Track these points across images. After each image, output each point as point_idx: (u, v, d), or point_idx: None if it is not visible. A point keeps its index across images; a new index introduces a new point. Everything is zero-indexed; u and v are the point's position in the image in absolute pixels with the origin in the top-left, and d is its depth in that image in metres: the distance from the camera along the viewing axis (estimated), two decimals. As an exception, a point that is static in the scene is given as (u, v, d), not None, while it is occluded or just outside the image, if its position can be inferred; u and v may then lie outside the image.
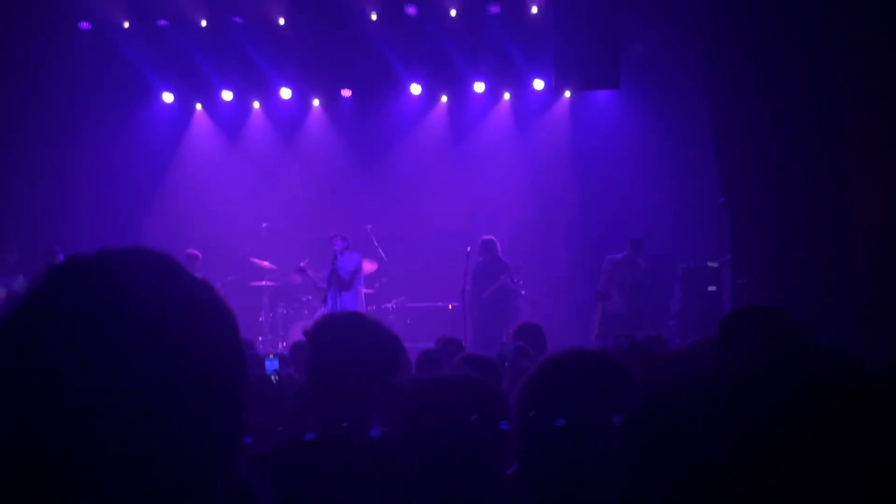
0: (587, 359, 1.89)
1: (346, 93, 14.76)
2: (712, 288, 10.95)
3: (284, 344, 12.27)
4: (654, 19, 11.86)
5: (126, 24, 14.03)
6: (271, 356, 4.56)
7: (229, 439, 1.10)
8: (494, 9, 13.48)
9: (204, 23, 13.99)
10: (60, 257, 12.07)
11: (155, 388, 1.03)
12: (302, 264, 11.86)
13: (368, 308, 12.71)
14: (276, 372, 4.39)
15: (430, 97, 14.67)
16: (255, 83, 14.63)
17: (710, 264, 11.18)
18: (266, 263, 13.36)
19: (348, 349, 2.61)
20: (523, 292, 12.59)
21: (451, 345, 6.50)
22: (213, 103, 14.97)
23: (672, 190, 12.87)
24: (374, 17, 13.79)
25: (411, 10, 13.62)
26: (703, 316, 10.56)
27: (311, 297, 12.75)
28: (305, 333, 2.79)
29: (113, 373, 1.02)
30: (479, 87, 14.36)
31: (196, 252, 12.38)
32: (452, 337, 6.94)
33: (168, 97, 14.85)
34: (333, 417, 2.56)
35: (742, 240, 9.83)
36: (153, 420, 1.02)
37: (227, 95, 14.80)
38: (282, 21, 14.00)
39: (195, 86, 14.68)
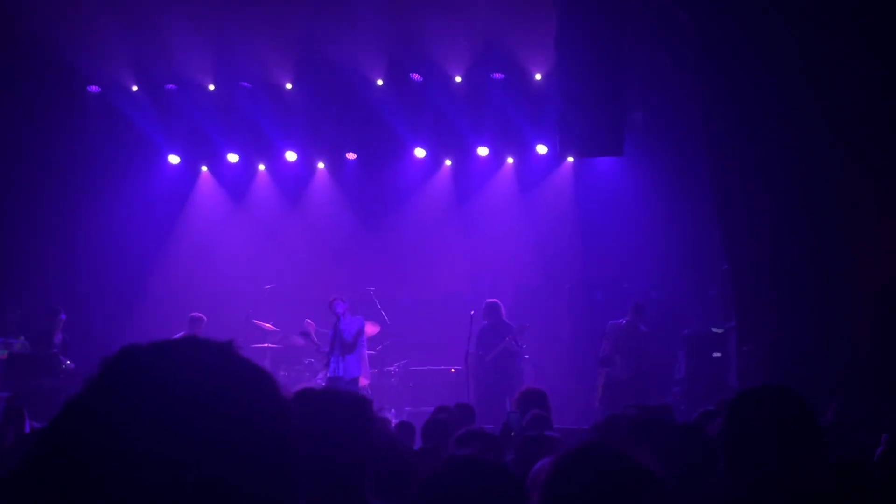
0: (605, 460, 1.85)
1: (351, 156, 14.90)
2: (717, 354, 10.91)
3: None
4: (655, 87, 12.03)
5: (134, 88, 14.24)
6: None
7: None
8: (498, 75, 13.68)
9: (212, 87, 14.20)
10: (62, 317, 12.07)
11: (210, 484, 1.03)
12: (308, 325, 11.83)
13: (371, 371, 12.66)
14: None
15: (434, 161, 14.80)
16: (260, 146, 14.79)
17: (715, 330, 11.15)
18: (269, 325, 13.33)
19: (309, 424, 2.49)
20: (527, 356, 12.54)
21: (459, 411, 6.45)
22: (218, 165, 15.11)
23: (676, 255, 12.90)
24: (379, 82, 14.00)
25: (416, 76, 13.82)
26: (708, 382, 10.50)
27: (313, 360, 12.70)
28: None
29: (168, 469, 1.02)
30: (482, 151, 14.50)
31: (200, 315, 12.37)
32: (463, 403, 6.89)
33: (174, 159, 14.99)
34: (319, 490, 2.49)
35: (747, 306, 9.82)
36: None
37: (232, 158, 14.94)
38: (289, 86, 14.21)
39: (201, 148, 14.84)
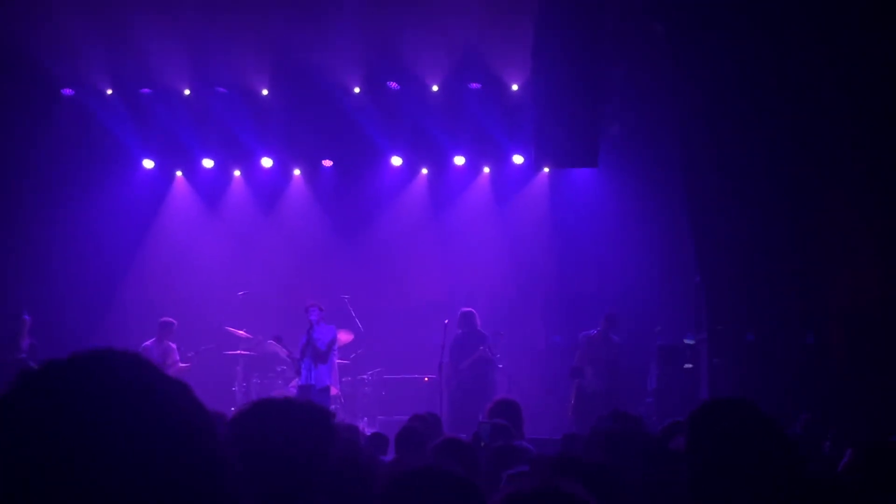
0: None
1: (328, 163, 14.87)
2: (689, 366, 10.98)
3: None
4: (631, 100, 12.11)
5: (109, 91, 14.14)
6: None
7: None
8: (475, 85, 13.72)
9: (187, 92, 14.13)
10: (26, 317, 11.94)
11: (124, 496, 1.03)
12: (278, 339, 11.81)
13: (343, 379, 12.62)
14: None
15: (410, 169, 14.81)
16: (236, 151, 14.73)
17: (687, 342, 11.23)
18: (241, 332, 13.26)
19: (268, 434, 2.45)
20: (500, 366, 12.55)
21: (430, 421, 6.43)
22: (193, 170, 15.02)
23: (649, 267, 12.98)
24: (356, 90, 13.99)
25: (393, 84, 13.84)
26: (679, 394, 10.56)
27: (285, 367, 12.63)
28: (231, 421, 2.65)
29: (79, 480, 1.02)
30: (459, 160, 14.53)
31: (171, 320, 12.29)
32: (431, 413, 6.87)
33: (149, 164, 14.89)
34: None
35: (719, 318, 9.89)
36: None
37: (207, 163, 14.86)
38: (265, 92, 14.17)
39: (176, 153, 14.75)
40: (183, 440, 1.10)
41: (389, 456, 6.54)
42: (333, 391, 11.57)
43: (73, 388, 1.09)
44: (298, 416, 2.37)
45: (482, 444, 5.66)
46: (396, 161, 14.63)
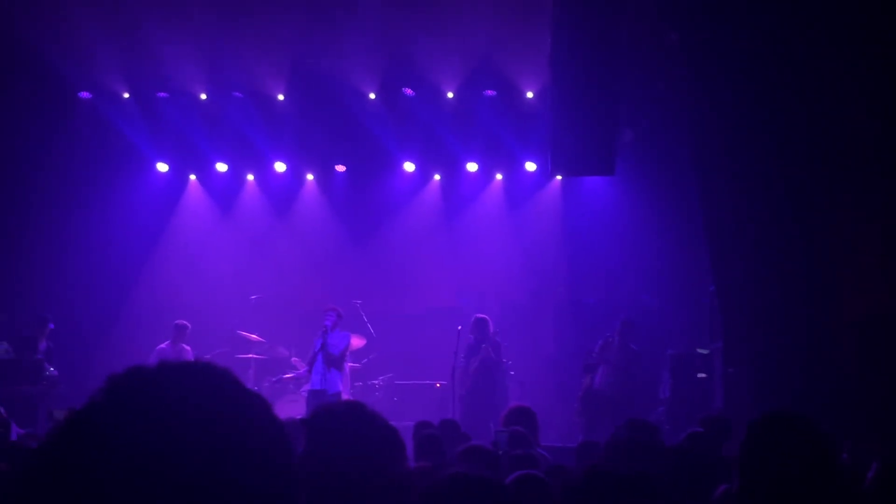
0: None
1: (341, 168, 14.91)
2: (702, 375, 10.96)
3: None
4: (646, 107, 12.12)
5: (125, 95, 14.20)
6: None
7: None
8: (490, 92, 13.74)
9: (203, 96, 14.18)
10: (51, 326, 12.02)
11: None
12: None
13: (355, 384, 12.63)
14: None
15: (423, 175, 14.83)
16: (249, 156, 14.77)
17: (700, 351, 11.21)
18: (253, 336, 13.29)
19: (346, 441, 2.55)
20: (512, 373, 12.55)
21: (449, 427, 6.45)
22: (207, 174, 15.08)
23: (662, 275, 12.97)
24: (371, 96, 14.03)
25: (408, 91, 13.86)
26: (691, 403, 10.54)
27: (297, 372, 12.64)
28: (303, 422, 2.75)
29: (167, 488, 1.03)
30: (471, 167, 14.55)
31: (185, 323, 12.33)
32: (449, 419, 6.89)
33: (163, 167, 14.95)
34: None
35: (733, 328, 9.87)
36: None
37: (221, 167, 14.91)
38: (281, 97, 14.21)
39: (190, 157, 14.80)
40: (268, 455, 1.12)
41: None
42: (344, 396, 11.57)
43: (163, 395, 1.10)
44: (366, 418, 2.44)
45: (500, 452, 5.68)
46: (409, 167, 14.66)
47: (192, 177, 15.18)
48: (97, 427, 1.07)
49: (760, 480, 2.58)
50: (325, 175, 15.02)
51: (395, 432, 2.60)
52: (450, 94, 13.90)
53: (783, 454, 2.59)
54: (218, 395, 1.13)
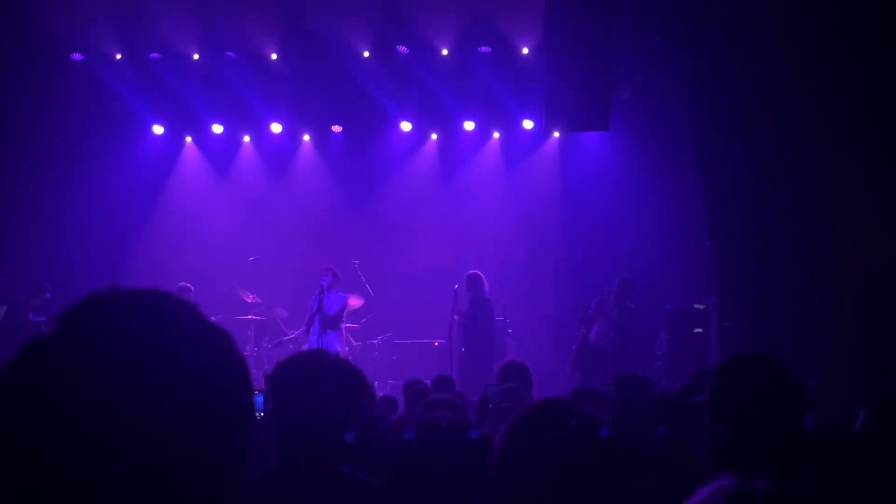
0: (560, 414, 1.87)
1: (337, 129, 14.84)
2: (698, 330, 10.98)
3: (269, 379, 12.17)
4: (642, 63, 12.01)
5: (118, 56, 14.10)
6: (256, 393, 4.59)
7: (229, 484, 1.12)
8: (485, 49, 13.62)
9: (196, 56, 14.07)
10: (48, 295, 12.05)
11: (162, 428, 1.05)
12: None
13: (354, 344, 12.69)
14: (260, 411, 4.46)
15: (420, 135, 14.76)
16: (245, 117, 14.70)
17: (697, 306, 11.22)
18: (252, 297, 13.32)
19: (309, 387, 2.59)
20: (510, 330, 12.59)
21: (443, 383, 6.49)
22: (203, 136, 15.01)
23: (659, 231, 12.95)
24: (365, 54, 13.91)
25: (402, 48, 13.75)
26: (689, 357, 10.57)
27: (296, 332, 12.70)
28: (266, 377, 2.79)
29: (122, 407, 1.04)
30: (468, 125, 14.47)
31: (188, 285, 12.36)
32: (445, 375, 6.93)
33: (158, 129, 14.89)
34: (295, 453, 2.56)
35: (728, 282, 9.88)
36: (159, 455, 1.05)
37: (217, 129, 14.85)
38: (274, 56, 14.10)
39: (186, 119, 14.73)
40: (224, 378, 1.12)
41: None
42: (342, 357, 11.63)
43: (120, 321, 1.10)
44: (336, 373, 2.47)
45: (490, 405, 5.71)
46: (406, 126, 14.58)
47: (188, 139, 15.12)
48: (49, 359, 1.08)
49: (729, 421, 2.59)
50: (321, 136, 14.95)
51: (360, 375, 2.62)
52: (444, 52, 13.78)
53: (750, 393, 2.61)
54: (173, 325, 1.13)
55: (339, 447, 2.56)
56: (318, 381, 2.57)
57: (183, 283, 12.34)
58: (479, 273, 12.06)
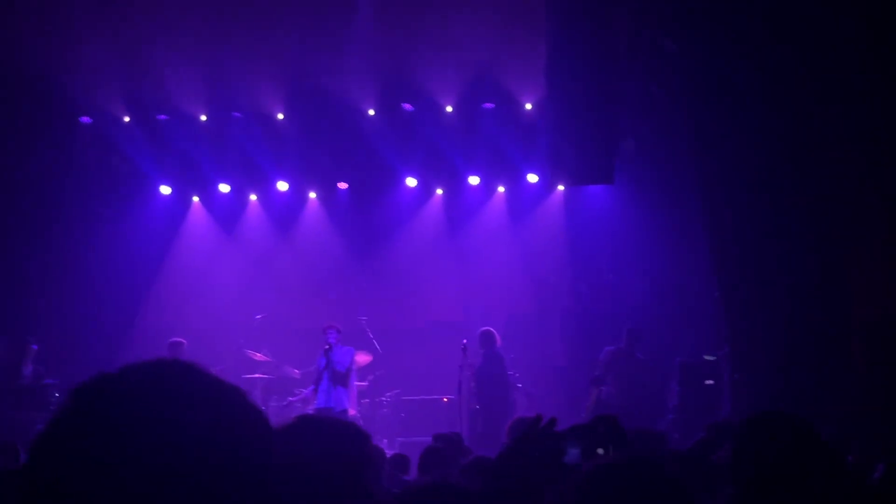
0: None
1: (343, 185, 14.93)
2: (710, 382, 10.89)
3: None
4: (645, 115, 12.10)
5: (126, 119, 14.26)
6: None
7: None
8: (489, 105, 13.76)
9: (203, 117, 14.23)
10: (34, 347, 12.02)
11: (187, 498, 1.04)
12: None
13: (362, 401, 12.59)
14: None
15: (425, 190, 14.85)
16: (252, 176, 14.81)
17: (707, 358, 11.14)
18: (259, 356, 13.27)
19: (308, 458, 2.44)
20: (519, 385, 12.49)
21: (454, 440, 6.41)
22: (210, 195, 15.11)
23: (667, 283, 12.92)
24: (371, 112, 14.05)
25: (407, 106, 13.89)
26: (701, 410, 10.47)
27: (303, 391, 12.61)
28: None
29: (143, 487, 1.03)
30: (473, 180, 14.55)
31: (180, 340, 12.27)
32: (454, 432, 6.84)
33: (166, 189, 14.99)
34: None
35: (739, 334, 9.83)
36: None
37: (224, 188, 14.95)
38: (280, 116, 14.25)
39: (193, 178, 14.85)
40: (245, 438, 1.11)
41: (411, 476, 6.51)
42: (351, 412, 11.54)
43: (130, 397, 1.09)
44: (338, 434, 2.39)
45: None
46: (411, 182, 14.67)
47: (195, 198, 15.21)
48: (65, 439, 1.07)
49: (752, 481, 2.54)
50: (327, 193, 15.04)
51: (365, 442, 2.49)
52: (449, 108, 13.92)
53: (773, 453, 2.56)
54: (185, 390, 1.12)
55: None
56: (317, 452, 2.40)
57: (175, 339, 12.27)
58: (492, 330, 12.02)
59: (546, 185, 14.00)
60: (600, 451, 1.88)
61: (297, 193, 15.04)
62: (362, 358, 12.40)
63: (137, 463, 1.04)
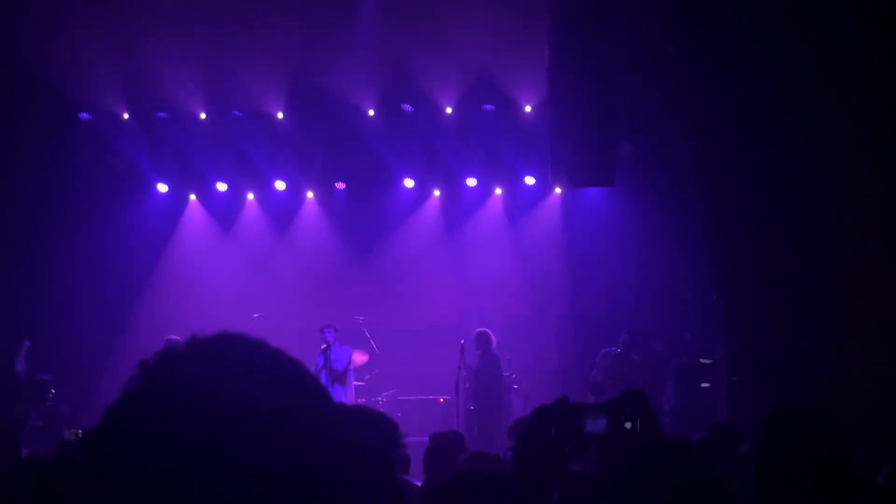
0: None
1: (340, 185, 14.93)
2: (706, 385, 10.94)
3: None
4: (645, 118, 12.15)
5: (125, 116, 14.23)
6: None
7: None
8: (489, 107, 13.79)
9: (203, 115, 14.21)
10: (26, 343, 12.00)
11: (257, 472, 1.05)
12: None
13: (359, 400, 12.60)
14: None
15: (422, 191, 14.87)
16: (249, 175, 14.79)
17: (703, 361, 11.19)
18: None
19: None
20: (516, 386, 12.53)
21: (454, 438, 6.44)
22: (207, 194, 15.09)
23: (664, 285, 12.97)
24: (370, 112, 14.06)
25: (407, 106, 13.91)
26: (696, 413, 10.52)
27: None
28: None
29: (212, 461, 1.04)
30: (471, 182, 14.58)
31: (176, 337, 12.23)
32: (454, 431, 6.87)
33: (163, 187, 14.96)
34: None
35: (736, 336, 9.88)
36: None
37: (221, 186, 14.93)
38: (280, 115, 14.24)
39: (190, 176, 14.82)
40: (312, 411, 1.13)
41: (411, 475, 6.53)
42: (350, 413, 11.54)
43: (199, 371, 1.11)
44: (372, 421, 2.42)
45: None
46: (409, 183, 14.69)
47: (193, 196, 15.18)
48: (138, 414, 1.08)
49: (777, 478, 2.57)
50: (325, 192, 15.04)
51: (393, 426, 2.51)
52: (448, 110, 13.95)
53: (798, 450, 2.58)
54: (252, 365, 1.13)
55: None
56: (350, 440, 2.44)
57: (171, 337, 12.25)
58: (488, 331, 12.06)
59: (543, 188, 14.03)
60: (628, 424, 1.92)
61: (295, 193, 15.04)
62: (359, 357, 12.43)
63: (211, 439, 1.04)
